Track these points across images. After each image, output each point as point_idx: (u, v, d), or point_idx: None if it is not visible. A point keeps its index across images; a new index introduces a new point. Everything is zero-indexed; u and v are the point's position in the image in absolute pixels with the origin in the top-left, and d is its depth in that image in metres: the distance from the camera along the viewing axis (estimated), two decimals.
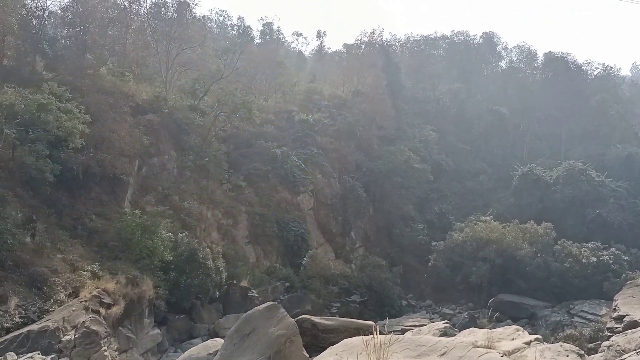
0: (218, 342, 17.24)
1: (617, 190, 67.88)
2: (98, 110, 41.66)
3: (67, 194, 36.68)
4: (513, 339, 11.73)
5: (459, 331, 19.84)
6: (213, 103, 56.77)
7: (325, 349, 12.78)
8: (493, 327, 16.71)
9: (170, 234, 37.45)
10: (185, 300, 36.84)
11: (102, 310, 28.50)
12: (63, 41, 53.58)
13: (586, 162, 71.41)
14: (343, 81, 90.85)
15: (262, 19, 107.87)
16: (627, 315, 33.12)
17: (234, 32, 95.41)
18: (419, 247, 63.40)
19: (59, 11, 54.60)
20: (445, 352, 10.05)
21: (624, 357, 16.92)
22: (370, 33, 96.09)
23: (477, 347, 10.11)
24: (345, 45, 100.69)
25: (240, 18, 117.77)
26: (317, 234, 58.48)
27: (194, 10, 66.97)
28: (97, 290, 29.30)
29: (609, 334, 32.25)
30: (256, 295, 41.83)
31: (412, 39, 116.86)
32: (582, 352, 11.99)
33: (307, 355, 13.70)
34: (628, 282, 43.15)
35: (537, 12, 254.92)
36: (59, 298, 27.77)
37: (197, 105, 56.55)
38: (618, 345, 25.41)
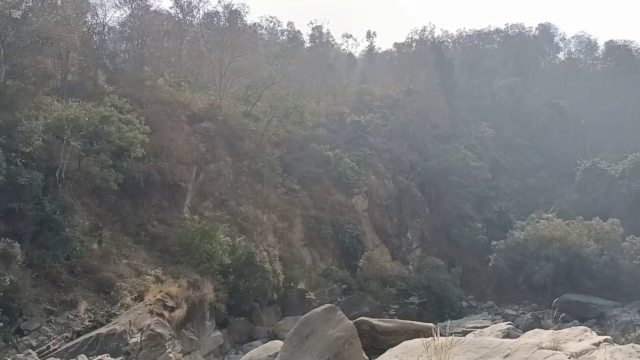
0: (278, 344, 17.41)
1: None
2: (157, 120, 43.17)
3: (130, 201, 38.16)
4: (580, 340, 11.23)
5: (523, 332, 19.23)
6: (266, 108, 57.61)
7: (384, 351, 12.65)
8: (559, 328, 16.07)
9: (228, 238, 38.23)
10: (244, 303, 37.47)
11: (166, 314, 29.41)
12: (122, 55, 55.87)
13: None
14: (394, 81, 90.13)
15: (312, 23, 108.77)
16: None
17: (284, 38, 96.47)
18: (479, 247, 61.93)
19: (118, 26, 57.15)
20: (509, 354, 9.75)
21: None
22: (421, 30, 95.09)
23: (543, 348, 9.75)
24: (396, 45, 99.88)
25: (290, 23, 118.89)
26: (372, 236, 58.18)
27: (244, 18, 68.44)
28: (160, 294, 30.28)
29: None
30: (313, 297, 42.05)
31: (464, 34, 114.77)
32: None
33: (367, 358, 13.61)
34: None
35: (596, 0, 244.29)
36: (125, 302, 28.85)
37: (250, 111, 57.59)
38: None
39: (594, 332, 12.29)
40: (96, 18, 52.05)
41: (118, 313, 28.02)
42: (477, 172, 69.91)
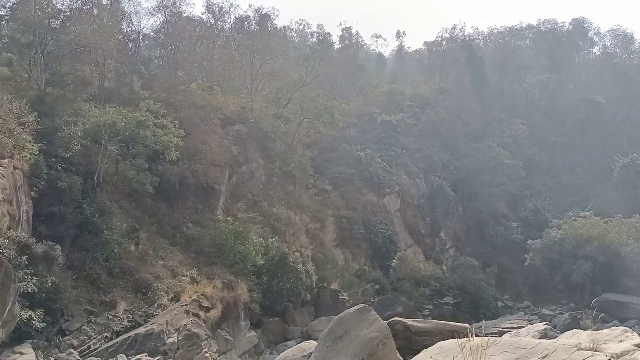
0: (312, 344, 17.53)
1: None
2: (190, 124, 43.96)
3: (165, 204, 38.93)
4: (621, 341, 10.99)
5: (561, 333, 18.87)
6: (296, 110, 57.93)
7: (418, 351, 12.62)
8: (598, 329, 15.72)
9: (261, 239, 38.61)
10: (278, 303, 37.76)
11: (202, 314, 29.91)
12: (156, 61, 57.10)
13: None
14: (425, 80, 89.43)
15: (341, 24, 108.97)
16: None
17: (314, 40, 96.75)
18: (514, 246, 60.85)
19: (152, 33, 58.39)
20: (547, 355, 9.62)
21: None
22: (452, 29, 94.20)
23: (582, 349, 9.59)
24: (426, 43, 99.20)
25: (319, 25, 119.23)
26: (405, 236, 57.86)
27: (274, 21, 68.99)
28: (196, 294, 30.81)
29: None
30: (346, 297, 42.06)
31: (495, 31, 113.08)
32: None
33: (401, 358, 13.60)
34: None
35: None
36: (162, 302, 29.46)
37: (281, 113, 58.03)
38: None
39: (635, 333, 12.01)
40: (131, 25, 53.39)
41: (155, 313, 28.61)
42: (511, 170, 68.85)
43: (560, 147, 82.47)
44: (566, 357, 9.35)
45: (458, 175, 66.58)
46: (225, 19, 64.15)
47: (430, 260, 55.20)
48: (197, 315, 29.41)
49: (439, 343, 12.13)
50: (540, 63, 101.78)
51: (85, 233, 30.16)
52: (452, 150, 70.34)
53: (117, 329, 26.84)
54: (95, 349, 25.03)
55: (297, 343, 26.93)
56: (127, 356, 24.48)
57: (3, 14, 43.97)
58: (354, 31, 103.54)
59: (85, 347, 25.02)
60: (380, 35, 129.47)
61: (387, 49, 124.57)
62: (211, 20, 62.16)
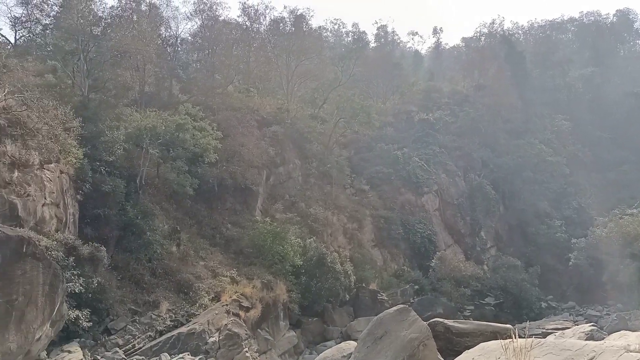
0: (351, 344, 17.49)
1: None
2: (228, 126, 44.55)
3: (205, 205, 39.56)
4: None
5: (608, 334, 18.27)
6: (332, 110, 57.95)
7: (460, 353, 12.44)
8: None
9: (299, 239, 38.77)
10: (317, 304, 37.83)
11: (242, 314, 30.23)
12: (194, 65, 58.15)
13: None
14: (463, 76, 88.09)
15: (377, 22, 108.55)
16: None
17: (349, 39, 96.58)
18: (557, 245, 59.21)
19: (189, 37, 59.47)
20: (593, 357, 9.31)
21: None
22: (490, 24, 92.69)
23: (630, 351, 9.24)
24: (464, 39, 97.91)
25: (354, 24, 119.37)
26: (444, 235, 57.11)
27: (309, 22, 69.15)
28: (236, 294, 31.17)
29: None
30: (385, 298, 41.79)
31: (536, 25, 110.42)
32: None
33: (442, 359, 13.42)
34: None
35: None
36: (203, 302, 29.92)
37: (317, 114, 58.16)
38: None
39: None
40: (169, 31, 54.60)
41: (197, 313, 29.08)
42: (554, 167, 67.13)
43: (605, 142, 79.75)
44: (614, 359, 9.04)
45: (499, 173, 65.31)
46: (261, 21, 64.80)
47: (470, 260, 54.31)
48: (237, 315, 29.73)
49: (481, 344, 11.93)
50: (583, 56, 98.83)
51: (129, 234, 30.92)
52: (492, 147, 69.02)
53: (160, 328, 27.37)
54: (140, 347, 25.59)
55: (337, 343, 26.92)
56: (170, 355, 24.93)
57: (47, 22, 45.53)
58: (389, 29, 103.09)
59: (130, 346, 25.61)
60: (416, 33, 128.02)
61: (423, 46, 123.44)
62: (247, 23, 62.87)
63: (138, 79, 44.71)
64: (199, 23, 57.21)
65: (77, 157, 28.86)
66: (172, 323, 28.01)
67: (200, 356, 25.36)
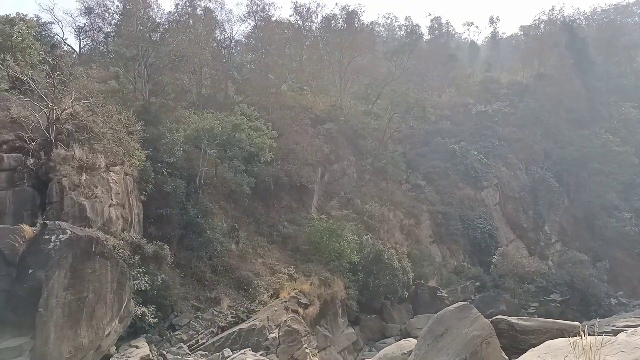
0: (411, 342, 17.23)
1: None
2: (282, 125, 45.01)
3: (262, 203, 40.14)
4: None
5: None
6: (386, 105, 57.48)
7: (524, 351, 12.01)
8: None
9: (355, 236, 38.65)
10: (375, 301, 37.63)
11: (300, 310, 30.44)
12: (248, 66, 59.07)
13: None
14: (522, 66, 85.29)
15: (430, 14, 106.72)
16: None
17: (402, 33, 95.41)
18: (627, 239, 56.38)
19: (243, 39, 60.49)
20: None
21: None
22: (550, 10, 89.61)
23: None
24: (522, 28, 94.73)
25: (407, 18, 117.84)
26: (506, 230, 55.48)
27: (361, 18, 68.81)
28: (294, 291, 31.42)
29: None
30: (445, 295, 41.09)
31: (599, 9, 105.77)
32: None
33: (506, 358, 13.01)
34: None
35: None
36: (262, 299, 30.35)
37: (371, 110, 57.82)
38: None
39: None
40: (224, 33, 55.74)
41: (256, 309, 29.52)
42: (622, 157, 63.85)
43: None
44: None
45: (562, 165, 62.82)
46: (313, 19, 65.05)
47: (534, 255, 52.49)
48: (296, 311, 29.97)
49: (547, 342, 11.48)
50: None
51: (190, 233, 31.75)
52: (555, 138, 66.42)
53: (222, 324, 27.95)
54: (203, 343, 26.23)
55: (396, 340, 26.63)
56: (232, 350, 25.42)
57: (109, 30, 47.47)
58: (443, 21, 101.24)
59: (193, 341, 26.29)
60: (472, 23, 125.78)
61: (479, 36, 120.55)
62: (299, 22, 63.28)
63: (195, 82, 45.91)
64: (252, 24, 58.17)
65: (140, 160, 29.88)
66: (233, 319, 28.54)
67: (261, 352, 25.71)
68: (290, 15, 67.76)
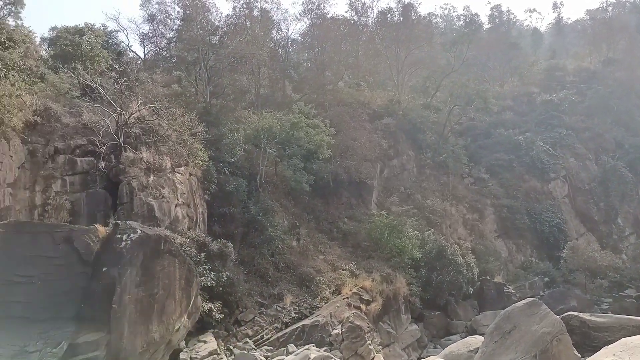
0: (477, 339, 16.92)
1: None
2: (340, 122, 45.04)
3: (321, 200, 40.37)
4: None
5: None
6: (446, 98, 56.41)
7: (598, 348, 11.53)
8: None
9: (416, 232, 38.20)
10: (438, 297, 37.05)
11: (363, 307, 30.42)
12: (305, 64, 59.46)
13: None
14: (589, 51, 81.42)
15: (489, 3, 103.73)
16: None
17: (461, 23, 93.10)
18: None
19: (299, 37, 60.91)
20: None
21: None
22: None
23: None
24: (588, 12, 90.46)
25: (465, 7, 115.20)
26: (575, 223, 53.18)
27: (418, 9, 67.69)
28: (356, 287, 31.43)
29: None
30: (512, 291, 39.93)
31: None
32: None
33: (579, 355, 12.53)
34: None
35: None
36: (324, 295, 30.55)
37: (430, 103, 56.88)
38: None
39: None
40: (280, 33, 56.37)
41: (319, 305, 29.75)
42: None
43: None
44: None
45: (635, 153, 59.45)
46: (368, 14, 64.59)
47: (606, 249, 50.01)
48: (358, 308, 29.97)
49: (623, 340, 10.99)
50: None
51: (252, 231, 32.36)
52: (627, 126, 63.02)
53: (285, 320, 28.36)
54: (268, 338, 26.72)
55: (462, 338, 26.17)
56: (296, 346, 25.76)
57: (171, 36, 49.06)
58: (504, 8, 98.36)
59: (259, 336, 26.83)
60: (534, 9, 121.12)
61: (542, 23, 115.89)
62: (354, 18, 63.00)
63: (253, 82, 46.70)
64: (307, 22, 58.46)
65: (203, 160, 30.75)
66: (296, 315, 28.89)
67: (325, 348, 25.90)
68: (346, 12, 67.86)
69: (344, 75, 57.17)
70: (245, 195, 33.06)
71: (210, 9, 44.71)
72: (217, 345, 24.14)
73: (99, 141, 26.24)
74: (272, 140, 35.06)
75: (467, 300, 39.46)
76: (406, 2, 64.12)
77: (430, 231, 39.93)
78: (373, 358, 27.37)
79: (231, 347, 25.06)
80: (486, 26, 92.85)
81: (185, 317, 21.26)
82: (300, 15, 58.76)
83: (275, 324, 27.87)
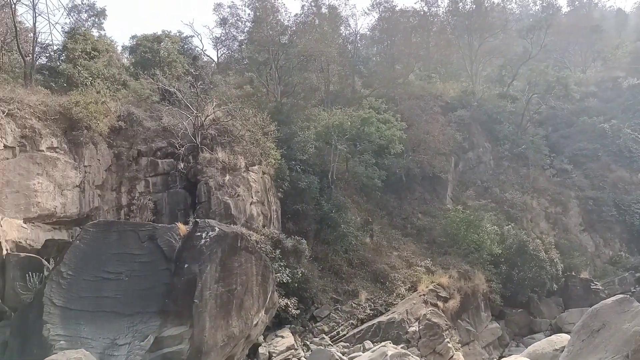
0: (563, 337, 16.08)
1: None
2: (411, 115, 44.37)
3: (394, 196, 39.95)
4: None
5: None
6: (523, 86, 54.16)
7: None
8: None
9: (495, 226, 36.94)
10: (520, 294, 35.65)
11: (440, 304, 29.81)
12: (374, 58, 59.10)
13: None
14: None
15: None
16: None
17: (537, 7, 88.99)
18: None
19: (368, 32, 60.65)
20: None
21: None
22: None
23: None
24: None
25: None
26: None
27: None
28: (432, 284, 30.83)
29: None
30: (600, 287, 37.74)
31: None
32: None
33: None
34: None
35: None
36: (400, 292, 30.21)
37: (506, 92, 54.77)
38: None
39: None
40: (349, 28, 56.31)
41: (394, 302, 29.46)
42: None
43: None
44: None
45: None
46: (439, 3, 63.58)
47: None
48: (435, 305, 29.39)
49: None
50: None
51: (325, 227, 32.57)
52: None
53: (361, 316, 28.33)
54: (344, 335, 26.80)
55: (546, 336, 24.97)
56: (372, 343, 25.66)
57: (242, 38, 50.36)
58: None
59: (334, 333, 26.97)
60: None
61: (627, 2, 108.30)
62: (424, 8, 61.84)
63: (323, 80, 46.93)
64: (376, 16, 58.08)
65: (276, 159, 31.29)
66: (371, 312, 28.78)
67: (402, 345, 25.61)
68: (415, 3, 67.03)
69: (414, 67, 56.19)
70: (317, 193, 33.30)
71: (280, 10, 45.48)
72: (294, 341, 24.49)
73: (177, 143, 27.41)
74: (342, 137, 35.06)
75: (551, 297, 37.71)
76: None
77: (510, 226, 38.49)
78: (452, 356, 26.75)
79: (308, 343, 25.34)
80: (565, 9, 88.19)
81: (263, 313, 21.68)
82: (369, 9, 58.70)
83: (351, 321, 27.90)
